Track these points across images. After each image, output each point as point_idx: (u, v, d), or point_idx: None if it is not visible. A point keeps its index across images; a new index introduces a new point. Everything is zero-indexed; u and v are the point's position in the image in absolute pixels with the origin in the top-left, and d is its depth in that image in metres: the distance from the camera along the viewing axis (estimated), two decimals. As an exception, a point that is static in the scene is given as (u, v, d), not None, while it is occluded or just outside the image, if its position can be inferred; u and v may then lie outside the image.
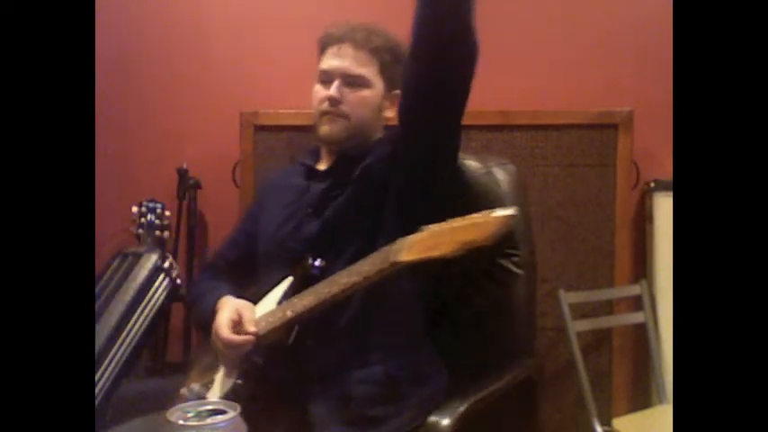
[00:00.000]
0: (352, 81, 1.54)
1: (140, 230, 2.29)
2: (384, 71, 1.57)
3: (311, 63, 2.30)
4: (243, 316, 1.45)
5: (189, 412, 0.85)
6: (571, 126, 2.30)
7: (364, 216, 1.50)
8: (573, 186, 2.30)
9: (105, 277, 2.15)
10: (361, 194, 1.52)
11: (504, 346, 1.71)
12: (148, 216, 2.30)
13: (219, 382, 1.47)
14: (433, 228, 1.21)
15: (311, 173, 1.62)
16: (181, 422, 0.83)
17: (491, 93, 2.42)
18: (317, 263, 1.45)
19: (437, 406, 1.45)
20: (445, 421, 1.41)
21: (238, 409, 0.85)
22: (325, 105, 1.54)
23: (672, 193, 2.34)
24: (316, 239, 1.52)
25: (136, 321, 2.08)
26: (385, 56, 1.57)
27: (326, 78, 1.56)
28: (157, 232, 2.30)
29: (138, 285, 2.13)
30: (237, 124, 2.37)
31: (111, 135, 2.53)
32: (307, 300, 1.38)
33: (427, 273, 1.55)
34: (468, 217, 1.19)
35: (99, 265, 2.15)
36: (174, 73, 2.58)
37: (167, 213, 2.34)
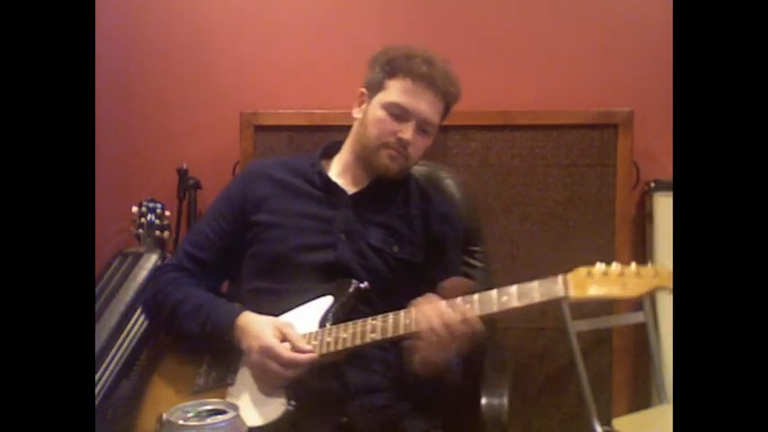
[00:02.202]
0: (424, 128, 1.58)
1: (140, 230, 2.29)
2: (444, 114, 1.64)
3: (311, 63, 2.30)
4: (289, 335, 1.40)
5: (189, 412, 0.85)
6: (571, 126, 2.30)
7: (399, 247, 1.58)
8: (573, 186, 2.30)
9: (105, 277, 2.15)
10: (396, 225, 1.60)
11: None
12: (148, 216, 2.30)
13: (256, 406, 1.39)
14: (614, 268, 1.27)
15: (336, 190, 1.62)
16: (181, 422, 0.83)
17: (491, 93, 2.43)
18: (363, 285, 1.48)
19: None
20: (503, 400, 1.59)
21: (238, 409, 0.85)
22: (392, 141, 1.56)
23: (672, 193, 2.34)
24: (351, 266, 1.53)
25: (136, 321, 2.08)
26: (450, 106, 1.64)
27: (399, 113, 1.56)
28: (157, 232, 2.30)
29: (138, 285, 2.13)
30: (237, 124, 2.37)
31: (111, 135, 2.52)
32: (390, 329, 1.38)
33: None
34: (652, 266, 1.22)
35: (99, 265, 2.15)
36: (174, 73, 2.57)
37: (167, 213, 2.33)
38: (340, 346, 1.37)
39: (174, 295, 1.55)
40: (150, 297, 1.64)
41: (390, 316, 1.37)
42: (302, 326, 1.44)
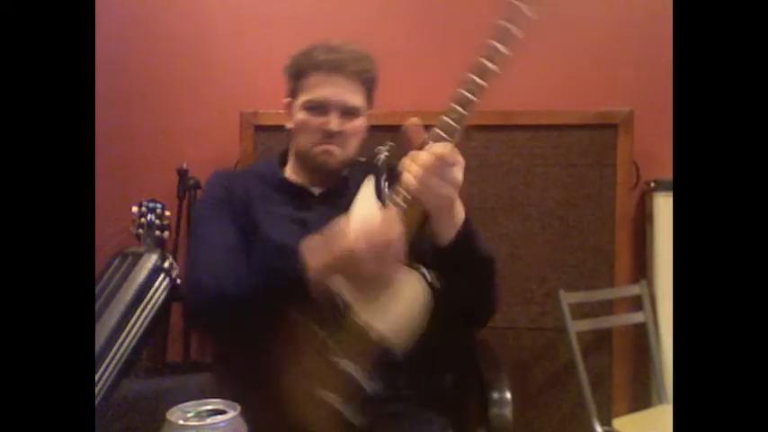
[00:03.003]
0: (347, 112, 1.57)
1: (140, 230, 2.29)
2: (369, 97, 1.62)
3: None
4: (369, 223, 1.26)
5: (189, 412, 0.85)
6: (571, 126, 2.30)
7: None
8: (573, 186, 2.30)
9: (105, 277, 2.15)
10: None
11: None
12: (148, 216, 2.30)
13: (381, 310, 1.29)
14: None
15: (303, 192, 1.63)
16: (181, 422, 0.83)
17: (491, 93, 2.42)
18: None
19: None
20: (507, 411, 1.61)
21: (238, 408, 0.85)
22: (321, 136, 1.57)
23: (672, 193, 2.34)
24: None
25: (136, 321, 2.08)
26: (371, 83, 1.61)
27: (317, 107, 1.56)
28: (157, 232, 2.29)
29: (138, 285, 2.13)
30: (237, 124, 2.37)
31: (112, 135, 2.53)
32: None
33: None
34: None
35: (99, 265, 2.15)
36: (175, 73, 2.58)
37: (167, 213, 2.33)
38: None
39: (242, 282, 1.40)
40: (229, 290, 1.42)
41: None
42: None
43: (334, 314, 1.30)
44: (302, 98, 1.59)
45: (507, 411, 1.62)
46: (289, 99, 1.64)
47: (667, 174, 2.36)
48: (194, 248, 1.58)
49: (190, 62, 2.57)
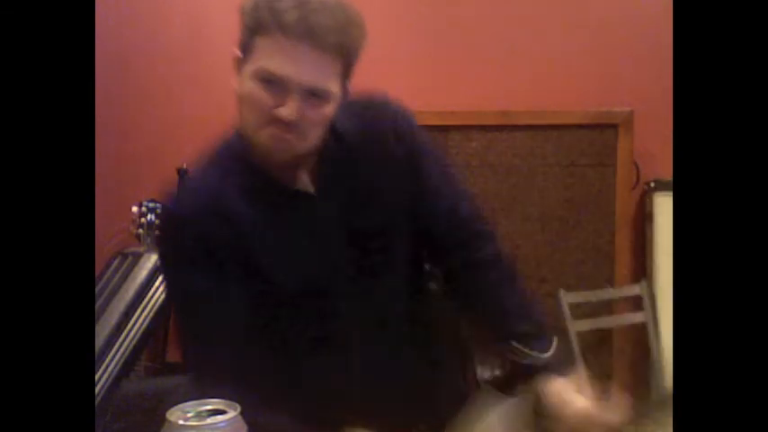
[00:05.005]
0: (312, 94, 1.13)
1: (140, 230, 2.29)
2: (346, 75, 1.19)
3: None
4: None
5: (189, 412, 0.85)
6: (571, 126, 2.31)
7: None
8: (573, 186, 2.30)
9: (105, 277, 2.15)
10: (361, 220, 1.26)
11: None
12: (148, 216, 2.31)
13: None
14: None
15: (287, 192, 1.23)
16: (181, 422, 0.83)
17: (491, 93, 2.43)
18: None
19: None
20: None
21: (238, 408, 0.85)
22: (272, 120, 1.14)
23: (672, 193, 2.34)
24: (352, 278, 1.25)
25: (136, 321, 2.08)
26: (352, 57, 1.19)
27: (273, 80, 1.12)
28: (157, 232, 2.30)
29: (138, 285, 2.13)
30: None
31: (111, 135, 2.53)
32: None
33: None
34: None
35: (99, 265, 2.15)
36: (175, 73, 2.58)
37: (167, 213, 2.33)
38: None
39: None
40: None
41: None
42: None
43: None
44: (256, 62, 1.13)
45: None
46: (238, 54, 1.18)
47: (667, 174, 2.36)
48: (187, 345, 1.25)
49: (190, 61, 2.57)
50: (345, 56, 1.16)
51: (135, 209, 2.32)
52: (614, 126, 2.28)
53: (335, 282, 1.23)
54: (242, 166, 1.23)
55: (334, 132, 1.24)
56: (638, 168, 2.33)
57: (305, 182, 1.23)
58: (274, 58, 1.12)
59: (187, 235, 1.19)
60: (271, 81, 1.13)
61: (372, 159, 1.26)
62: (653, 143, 2.34)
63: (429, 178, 1.31)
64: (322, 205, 1.23)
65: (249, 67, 1.15)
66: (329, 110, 1.17)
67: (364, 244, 1.24)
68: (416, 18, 2.48)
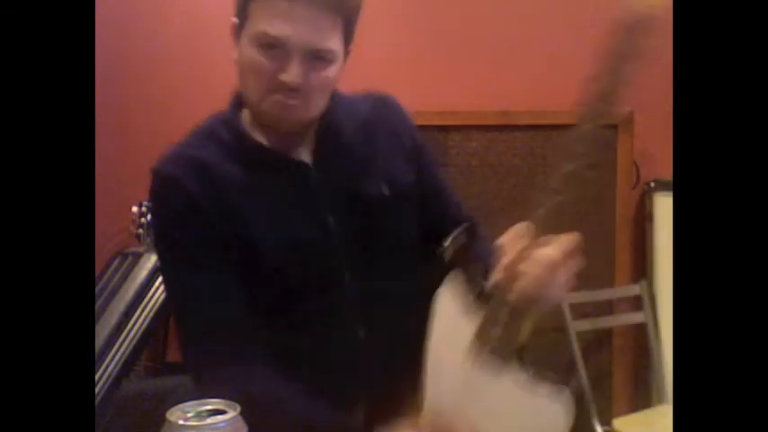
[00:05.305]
0: (315, 56, 1.11)
1: (140, 230, 2.29)
2: (348, 34, 1.17)
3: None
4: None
5: (189, 412, 0.85)
6: (571, 126, 2.30)
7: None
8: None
9: (105, 277, 2.15)
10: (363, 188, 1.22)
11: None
12: (148, 216, 2.31)
13: None
14: None
15: (290, 164, 1.19)
16: (181, 422, 0.83)
17: (491, 93, 2.43)
18: None
19: None
20: None
21: (238, 408, 0.85)
22: (275, 85, 1.11)
23: (672, 193, 2.34)
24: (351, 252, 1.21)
25: (136, 321, 2.08)
26: (353, 14, 1.17)
27: (273, 44, 1.10)
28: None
29: (138, 285, 2.13)
30: (237, 124, 2.37)
31: (111, 135, 2.53)
32: None
33: None
34: None
35: (99, 265, 2.15)
36: (175, 72, 2.58)
37: (167, 213, 2.33)
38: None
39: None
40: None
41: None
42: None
43: None
44: (253, 29, 1.11)
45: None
46: (235, 20, 1.16)
47: (667, 174, 2.36)
48: (180, 317, 1.20)
49: (190, 62, 2.57)
50: (345, 13, 1.14)
51: (135, 209, 2.32)
52: (614, 126, 2.28)
53: (330, 254, 1.19)
54: (233, 134, 1.20)
55: (339, 108, 1.22)
56: (638, 168, 2.33)
57: (302, 152, 1.20)
58: (272, 20, 1.09)
59: (171, 194, 1.16)
60: (271, 45, 1.10)
61: (377, 137, 1.25)
62: (653, 143, 2.34)
63: (429, 169, 1.31)
64: (318, 174, 1.19)
65: (247, 33, 1.13)
66: (333, 72, 1.14)
67: (360, 214, 1.20)
68: (416, 18, 2.47)
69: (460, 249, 1.18)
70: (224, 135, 1.21)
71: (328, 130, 1.21)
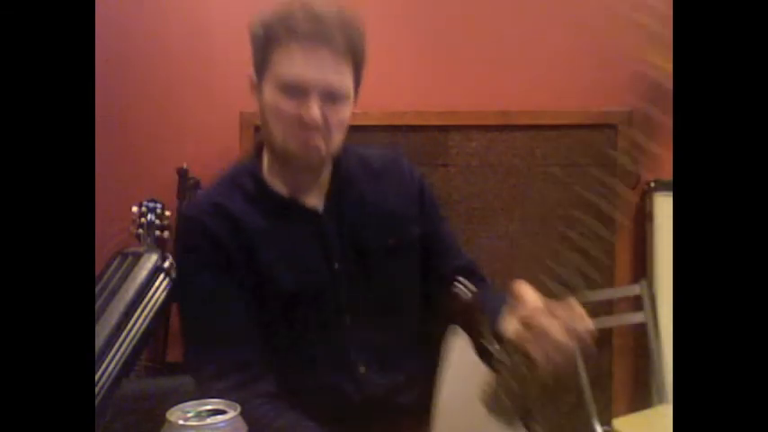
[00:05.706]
0: (331, 96, 1.21)
1: (140, 230, 2.29)
2: (357, 77, 1.27)
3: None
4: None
5: (189, 412, 0.85)
6: (571, 126, 2.31)
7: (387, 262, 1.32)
8: (573, 186, 2.30)
9: (105, 277, 2.15)
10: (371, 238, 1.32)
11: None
12: (148, 216, 2.31)
13: None
14: None
15: (301, 211, 1.30)
16: (181, 422, 0.83)
17: (491, 93, 2.43)
18: None
19: None
20: None
21: (238, 408, 0.85)
22: (298, 126, 1.21)
23: (672, 193, 2.34)
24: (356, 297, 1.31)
25: (136, 321, 2.08)
26: (361, 59, 1.26)
27: (293, 88, 1.21)
28: (157, 232, 2.30)
29: (138, 285, 2.13)
30: (237, 124, 2.37)
31: (111, 135, 2.53)
32: None
33: None
34: None
35: (99, 265, 2.15)
36: (175, 72, 2.58)
37: (167, 213, 2.34)
38: None
39: None
40: None
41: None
42: None
43: None
44: (274, 76, 1.23)
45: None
46: (252, 76, 1.31)
47: (667, 174, 2.36)
48: (189, 338, 1.30)
49: (190, 61, 2.57)
50: (356, 58, 1.25)
51: (135, 209, 2.32)
52: (614, 126, 2.28)
53: (333, 297, 1.29)
54: (254, 182, 1.30)
55: (350, 157, 1.34)
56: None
57: (314, 200, 1.31)
58: (293, 66, 1.21)
59: (195, 234, 1.27)
60: (291, 88, 1.21)
61: (386, 190, 1.35)
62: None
63: (433, 220, 1.40)
64: (328, 223, 1.30)
65: (269, 81, 1.25)
66: (347, 113, 1.25)
67: (363, 263, 1.30)
68: (416, 18, 2.47)
69: (465, 301, 1.21)
70: (246, 183, 1.31)
71: (341, 178, 1.32)
